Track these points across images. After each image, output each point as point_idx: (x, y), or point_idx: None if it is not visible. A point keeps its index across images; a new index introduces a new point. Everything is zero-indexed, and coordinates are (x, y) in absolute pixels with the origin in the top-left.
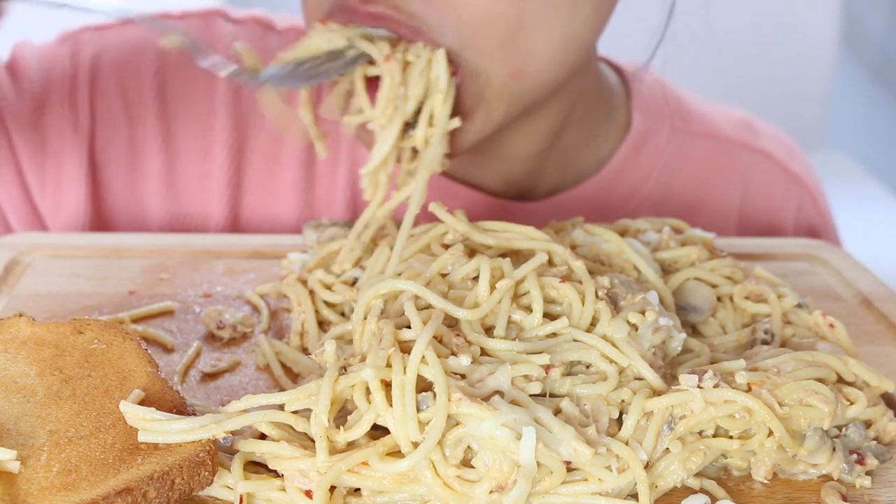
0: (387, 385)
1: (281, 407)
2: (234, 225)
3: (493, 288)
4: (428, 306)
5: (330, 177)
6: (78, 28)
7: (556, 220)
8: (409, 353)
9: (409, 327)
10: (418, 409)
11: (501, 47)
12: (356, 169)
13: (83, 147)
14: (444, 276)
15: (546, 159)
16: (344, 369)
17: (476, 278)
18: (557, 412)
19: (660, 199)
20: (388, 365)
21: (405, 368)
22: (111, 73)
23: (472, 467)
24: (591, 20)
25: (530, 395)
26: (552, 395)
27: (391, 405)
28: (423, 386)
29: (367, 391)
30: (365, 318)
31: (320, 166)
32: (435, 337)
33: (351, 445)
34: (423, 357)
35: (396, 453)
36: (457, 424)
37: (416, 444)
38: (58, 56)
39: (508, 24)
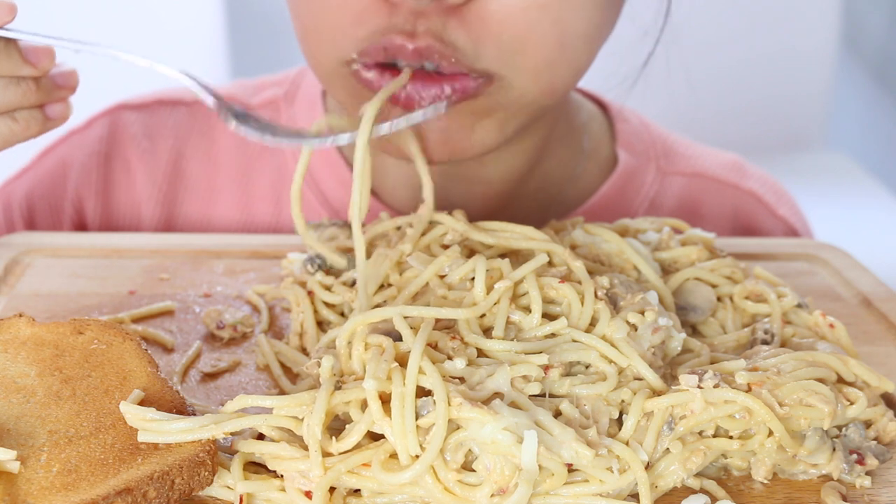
0: (383, 398)
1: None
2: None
3: (490, 289)
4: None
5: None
6: (6, 180)
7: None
8: (405, 365)
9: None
10: (418, 416)
11: (544, 68)
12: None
13: None
14: (441, 277)
15: (526, 184)
16: (339, 384)
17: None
18: (557, 414)
19: None
20: (388, 377)
21: (404, 381)
22: (44, 206)
23: (473, 471)
24: (607, 34)
25: (529, 396)
26: (551, 396)
27: (388, 416)
28: (422, 391)
29: (363, 406)
30: (350, 343)
31: (260, 194)
32: (429, 343)
33: (346, 452)
34: (420, 367)
35: (397, 457)
36: (458, 429)
37: (415, 457)
38: None
39: (551, 45)
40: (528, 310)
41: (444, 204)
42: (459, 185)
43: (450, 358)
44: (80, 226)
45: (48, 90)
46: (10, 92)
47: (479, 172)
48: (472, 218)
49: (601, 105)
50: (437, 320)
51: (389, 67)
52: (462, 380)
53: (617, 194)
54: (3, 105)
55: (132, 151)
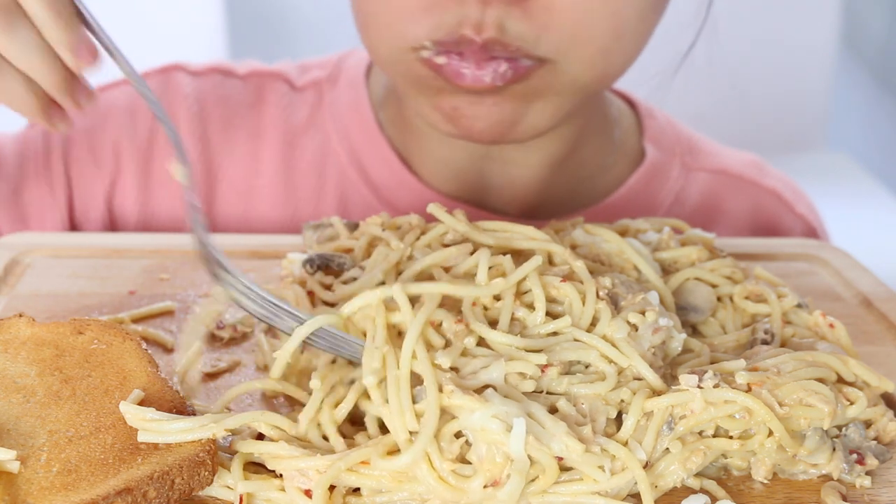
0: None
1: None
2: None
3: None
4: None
5: (316, 180)
6: None
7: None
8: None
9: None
10: (414, 401)
11: (599, 56)
12: (345, 175)
13: (62, 210)
14: (447, 269)
15: (562, 171)
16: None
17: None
18: (554, 411)
19: None
20: (382, 365)
21: (398, 363)
22: (82, 141)
23: (469, 463)
24: (657, 23)
25: (526, 393)
26: (549, 394)
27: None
28: (419, 379)
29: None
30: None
31: (303, 203)
32: (433, 323)
33: (351, 444)
34: (414, 351)
35: (396, 452)
36: (453, 418)
37: (412, 433)
38: (30, 137)
39: (607, 34)
40: (531, 307)
41: (483, 185)
42: (497, 167)
43: (448, 343)
44: (115, 171)
45: (61, 90)
46: (41, 58)
47: (516, 155)
48: (509, 201)
49: (629, 102)
50: (443, 305)
51: (455, 52)
52: (456, 369)
53: (644, 187)
54: (23, 62)
55: (182, 111)
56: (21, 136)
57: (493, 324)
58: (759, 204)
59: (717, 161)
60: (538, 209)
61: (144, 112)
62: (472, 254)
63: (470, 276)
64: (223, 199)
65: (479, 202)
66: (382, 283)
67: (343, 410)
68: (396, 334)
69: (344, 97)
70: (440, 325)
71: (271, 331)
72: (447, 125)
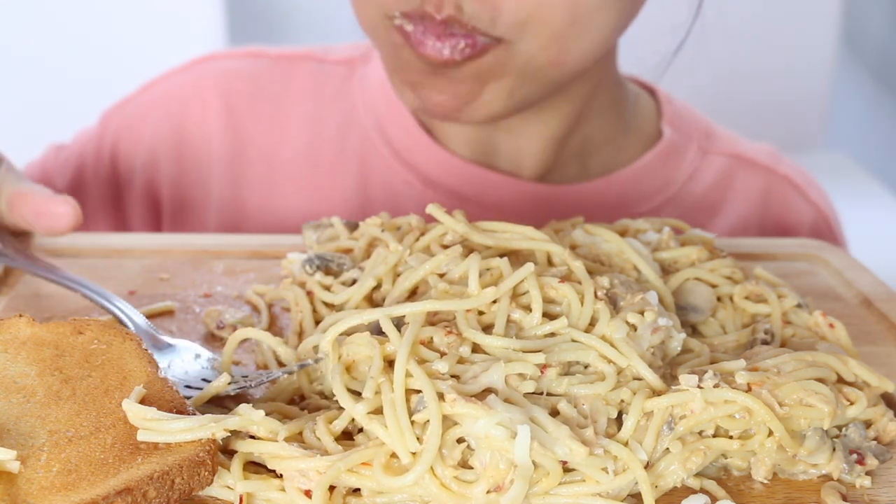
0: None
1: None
2: (235, 224)
3: (483, 286)
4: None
5: (337, 176)
6: (110, 107)
7: (575, 207)
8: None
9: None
10: (414, 412)
11: (552, 40)
12: (364, 170)
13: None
14: (441, 276)
15: (567, 144)
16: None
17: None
18: (555, 413)
19: (679, 205)
20: (377, 392)
21: (392, 387)
22: (128, 140)
23: (471, 468)
24: (628, 15)
25: (526, 395)
26: (549, 395)
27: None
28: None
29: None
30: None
31: (326, 165)
32: (423, 341)
33: (349, 445)
34: (408, 370)
35: (398, 456)
36: (455, 425)
37: (415, 454)
38: (79, 152)
39: (560, 19)
40: (528, 308)
41: (495, 151)
42: (503, 136)
43: (442, 355)
44: (152, 158)
45: None
46: None
47: (517, 125)
48: (521, 166)
49: (649, 90)
50: (435, 314)
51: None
52: (457, 377)
53: (659, 165)
54: None
55: (211, 94)
56: (76, 150)
57: (489, 328)
58: (772, 188)
59: (734, 146)
60: (549, 175)
61: (181, 94)
62: (465, 256)
63: (464, 281)
64: (250, 166)
65: (494, 166)
66: (377, 286)
67: (338, 428)
68: (388, 364)
69: (374, 73)
70: (431, 340)
71: (271, 330)
72: (412, 98)
